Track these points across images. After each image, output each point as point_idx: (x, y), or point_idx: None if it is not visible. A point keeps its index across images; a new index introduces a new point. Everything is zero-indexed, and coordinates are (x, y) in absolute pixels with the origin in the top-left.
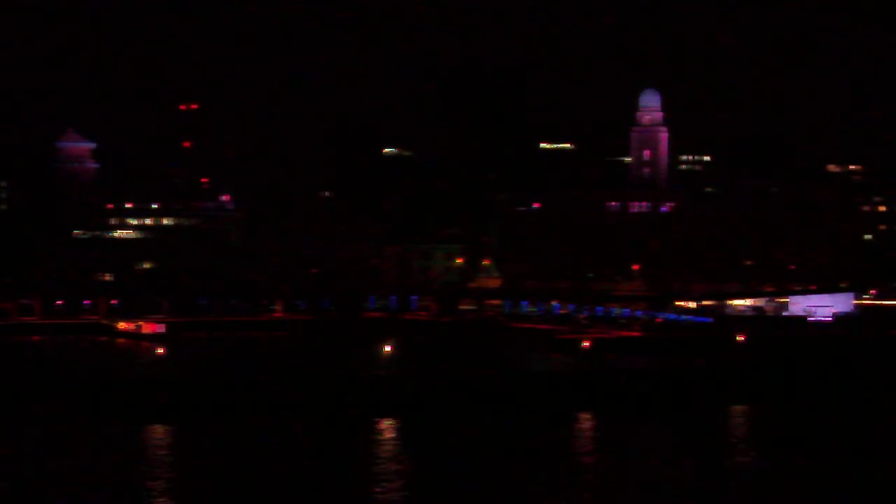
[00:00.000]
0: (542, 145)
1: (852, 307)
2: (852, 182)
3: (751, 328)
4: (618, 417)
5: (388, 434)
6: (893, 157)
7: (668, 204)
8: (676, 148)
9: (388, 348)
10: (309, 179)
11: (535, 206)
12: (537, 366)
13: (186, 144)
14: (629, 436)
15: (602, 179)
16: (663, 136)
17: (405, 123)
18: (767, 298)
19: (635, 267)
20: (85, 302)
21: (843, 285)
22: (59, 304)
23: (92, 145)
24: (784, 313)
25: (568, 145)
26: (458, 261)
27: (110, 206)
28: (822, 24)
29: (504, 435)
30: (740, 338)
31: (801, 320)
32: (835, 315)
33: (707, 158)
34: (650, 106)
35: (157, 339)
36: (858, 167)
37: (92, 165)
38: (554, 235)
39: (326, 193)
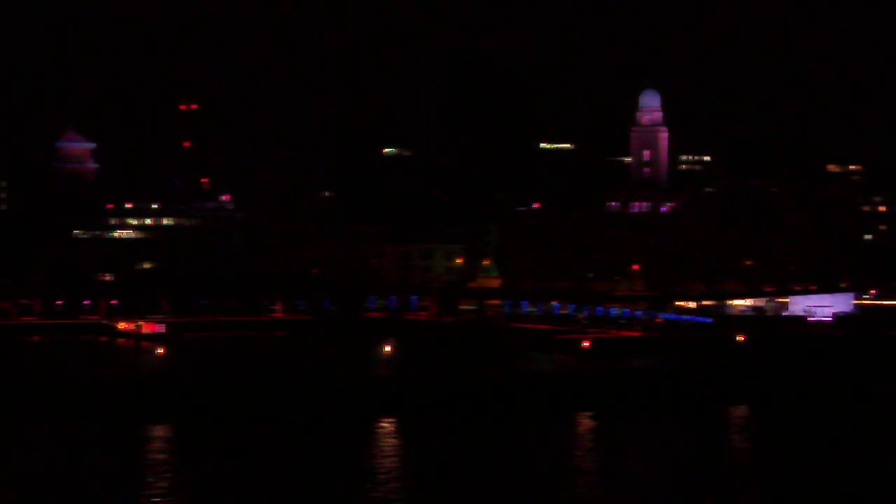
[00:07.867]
0: (542, 145)
1: (852, 307)
2: (852, 182)
3: (751, 328)
4: (618, 417)
5: (388, 434)
6: (893, 157)
7: (668, 204)
8: (676, 148)
9: (388, 348)
10: (309, 179)
11: (535, 206)
12: (537, 366)
13: (186, 144)
14: (629, 436)
15: (602, 179)
16: (663, 136)
17: (405, 123)
18: (767, 298)
19: (635, 267)
20: (85, 302)
21: (843, 285)
22: (59, 304)
23: (92, 145)
24: (784, 313)
25: (568, 145)
26: (458, 261)
27: (110, 206)
28: (822, 23)
29: (503, 435)
30: (740, 338)
31: (801, 320)
32: (835, 315)
33: (707, 158)
34: (650, 106)
35: (157, 339)
36: (858, 167)
37: (92, 165)
38: (554, 235)
39: (326, 193)
